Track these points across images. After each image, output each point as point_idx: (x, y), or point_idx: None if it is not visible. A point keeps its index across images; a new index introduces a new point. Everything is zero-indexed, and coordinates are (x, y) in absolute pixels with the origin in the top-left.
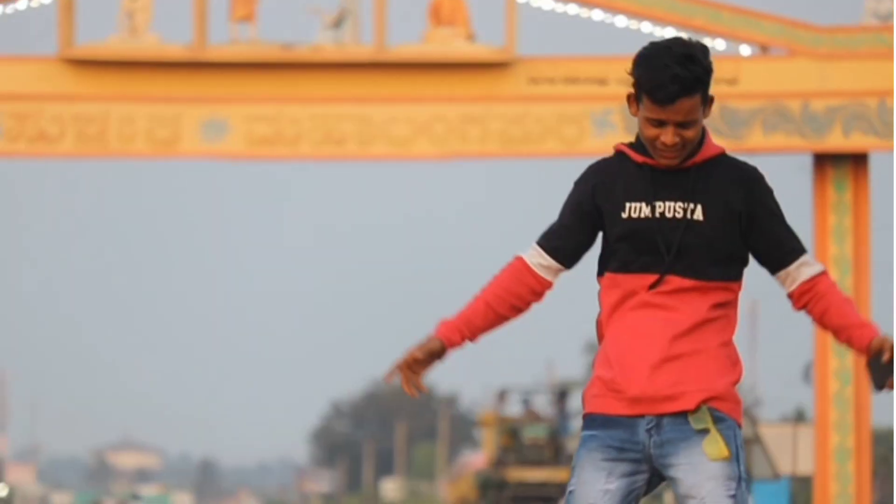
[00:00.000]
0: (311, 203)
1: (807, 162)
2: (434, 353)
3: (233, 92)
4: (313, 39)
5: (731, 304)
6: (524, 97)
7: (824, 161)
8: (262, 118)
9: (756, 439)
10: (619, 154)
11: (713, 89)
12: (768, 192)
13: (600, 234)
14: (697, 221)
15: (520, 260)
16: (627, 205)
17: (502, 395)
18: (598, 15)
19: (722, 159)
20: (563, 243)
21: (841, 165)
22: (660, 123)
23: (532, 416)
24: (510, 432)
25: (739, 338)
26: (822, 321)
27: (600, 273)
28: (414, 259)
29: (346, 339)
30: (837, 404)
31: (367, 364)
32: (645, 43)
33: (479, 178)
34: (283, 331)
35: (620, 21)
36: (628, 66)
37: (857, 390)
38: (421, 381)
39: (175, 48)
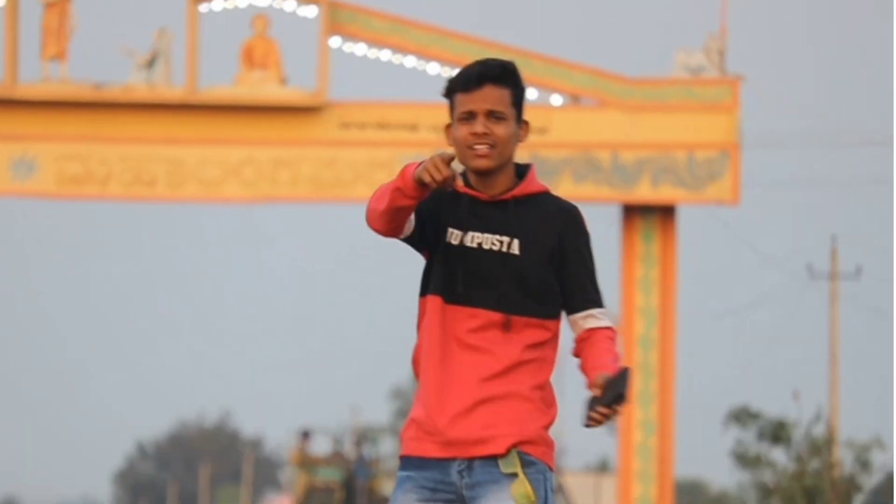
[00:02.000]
0: (119, 243)
1: (615, 213)
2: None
3: (43, 130)
4: (125, 79)
5: (547, 345)
6: (335, 141)
7: (633, 212)
8: (72, 157)
9: (559, 488)
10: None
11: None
12: (585, 235)
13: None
14: (513, 256)
15: None
16: (449, 230)
17: (305, 435)
18: (410, 62)
19: (544, 197)
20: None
21: (649, 217)
22: (470, 116)
23: (338, 458)
24: (311, 473)
25: None
26: (583, 368)
27: (422, 294)
28: (216, 301)
29: (150, 379)
30: (641, 454)
31: (173, 404)
32: None
33: (290, 222)
34: (85, 369)
35: (433, 68)
36: (440, 112)
37: (660, 441)
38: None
39: None
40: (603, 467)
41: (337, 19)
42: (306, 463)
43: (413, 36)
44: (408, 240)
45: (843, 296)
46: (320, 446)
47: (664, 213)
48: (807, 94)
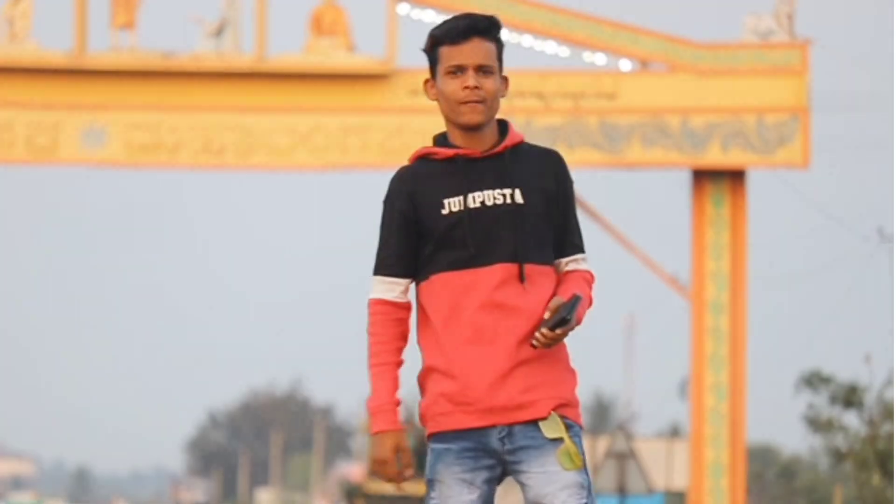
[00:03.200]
0: (190, 212)
1: (685, 177)
2: (404, 448)
3: (113, 99)
4: (194, 48)
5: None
6: (404, 108)
7: (702, 177)
8: (141, 126)
9: (631, 454)
10: (420, 160)
11: (591, 104)
12: (570, 179)
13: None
14: (519, 205)
15: (380, 304)
16: (446, 202)
17: None
18: None
19: (527, 146)
20: (407, 261)
21: (719, 181)
22: (459, 69)
23: (409, 426)
24: None
25: (615, 352)
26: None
27: (424, 278)
28: (288, 270)
29: (222, 349)
30: (713, 420)
31: (244, 373)
32: (526, 56)
33: (359, 189)
34: (158, 339)
35: (502, 34)
36: (510, 77)
37: (732, 406)
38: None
39: (55, 55)
40: (675, 433)
41: None
42: None
43: (480, 2)
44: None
45: None
46: None
47: (734, 177)
48: (876, 56)
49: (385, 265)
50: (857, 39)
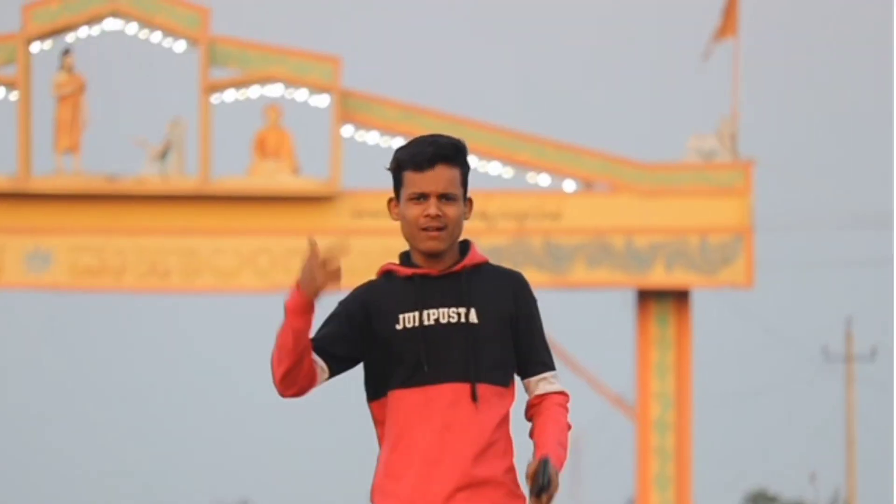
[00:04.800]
0: (139, 336)
1: (630, 297)
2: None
3: (57, 223)
4: (138, 171)
5: (507, 419)
6: (348, 230)
7: (647, 297)
8: (86, 249)
9: None
10: (385, 274)
11: (536, 224)
12: (533, 299)
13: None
14: (472, 325)
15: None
16: (401, 317)
17: None
18: None
19: (488, 266)
20: (337, 351)
21: (663, 301)
22: (422, 197)
23: None
24: None
25: (563, 471)
26: (532, 435)
27: (381, 395)
28: (233, 391)
29: (166, 469)
30: None
31: (189, 494)
32: (470, 177)
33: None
34: (99, 458)
35: None
36: None
37: None
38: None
39: None
40: None
41: (349, 108)
42: None
43: (425, 123)
44: (339, 372)
45: (858, 378)
46: None
47: (678, 297)
48: (820, 175)
49: (321, 341)
50: (801, 158)
